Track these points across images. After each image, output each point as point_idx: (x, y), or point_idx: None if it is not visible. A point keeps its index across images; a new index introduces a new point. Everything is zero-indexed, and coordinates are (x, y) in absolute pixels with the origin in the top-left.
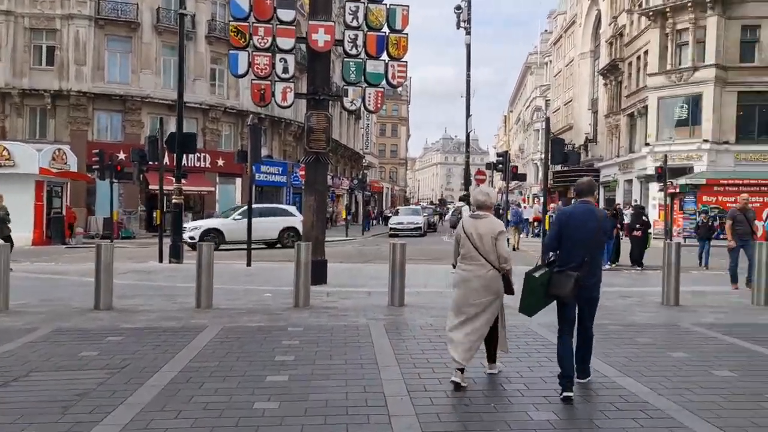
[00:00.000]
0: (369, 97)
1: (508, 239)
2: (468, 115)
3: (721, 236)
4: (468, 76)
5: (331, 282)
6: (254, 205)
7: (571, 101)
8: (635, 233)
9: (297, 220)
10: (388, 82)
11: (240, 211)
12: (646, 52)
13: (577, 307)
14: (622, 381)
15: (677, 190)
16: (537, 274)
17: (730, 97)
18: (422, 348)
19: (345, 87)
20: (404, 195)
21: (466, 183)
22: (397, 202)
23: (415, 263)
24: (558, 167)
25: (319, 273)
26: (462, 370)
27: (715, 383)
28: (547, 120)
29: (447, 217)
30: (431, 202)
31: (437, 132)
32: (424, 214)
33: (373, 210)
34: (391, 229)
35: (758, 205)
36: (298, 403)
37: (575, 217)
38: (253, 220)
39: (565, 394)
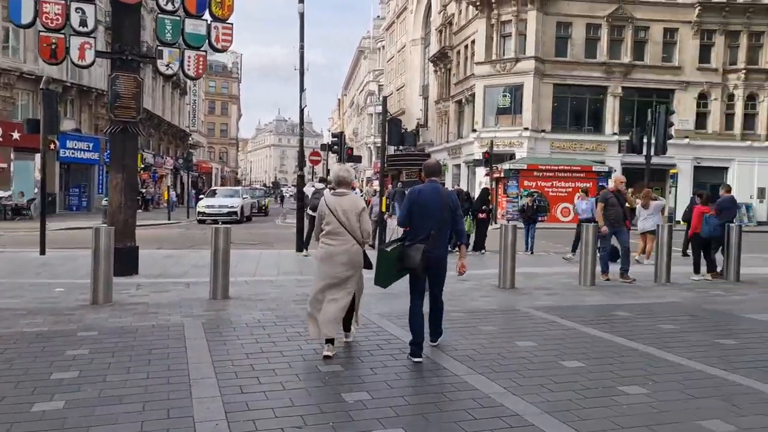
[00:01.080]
0: (188, 61)
1: None
2: (302, 89)
3: (540, 219)
4: (302, 47)
5: (144, 272)
6: None
7: (403, 87)
8: (481, 216)
9: None
10: (211, 46)
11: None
12: (473, 42)
13: (427, 278)
14: (474, 380)
15: (501, 175)
16: (390, 249)
17: (547, 88)
18: (247, 351)
19: (159, 48)
20: (235, 176)
21: (300, 163)
22: (227, 184)
23: (244, 248)
24: (391, 150)
25: (128, 262)
26: (332, 341)
27: (568, 376)
28: (384, 99)
29: (307, 199)
30: (264, 185)
31: (270, 113)
32: (247, 197)
33: (203, 191)
34: (198, 213)
35: (570, 189)
36: None
37: (424, 195)
38: None
39: (415, 359)
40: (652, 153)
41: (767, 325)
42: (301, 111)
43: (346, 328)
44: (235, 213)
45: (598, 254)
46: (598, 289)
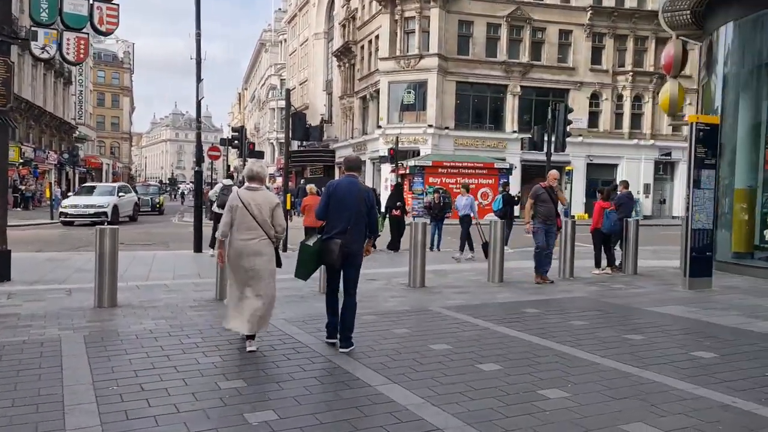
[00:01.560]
0: (68, 44)
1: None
2: (199, 79)
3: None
4: (198, 34)
5: (18, 278)
6: None
7: (306, 81)
8: (395, 213)
9: None
10: (94, 28)
11: None
12: (377, 37)
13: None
14: (390, 391)
15: (407, 171)
16: (311, 242)
17: (450, 85)
18: (136, 368)
19: (34, 29)
20: (129, 173)
21: (198, 159)
22: (120, 180)
23: (136, 249)
24: (295, 146)
25: None
26: (252, 337)
27: (487, 381)
28: (288, 92)
29: (211, 194)
30: (160, 181)
31: (167, 107)
32: (124, 194)
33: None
34: (61, 214)
35: (473, 186)
36: None
37: (341, 189)
38: None
39: (329, 340)
40: (553, 150)
41: (668, 318)
42: (198, 103)
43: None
44: (105, 213)
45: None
46: (506, 286)
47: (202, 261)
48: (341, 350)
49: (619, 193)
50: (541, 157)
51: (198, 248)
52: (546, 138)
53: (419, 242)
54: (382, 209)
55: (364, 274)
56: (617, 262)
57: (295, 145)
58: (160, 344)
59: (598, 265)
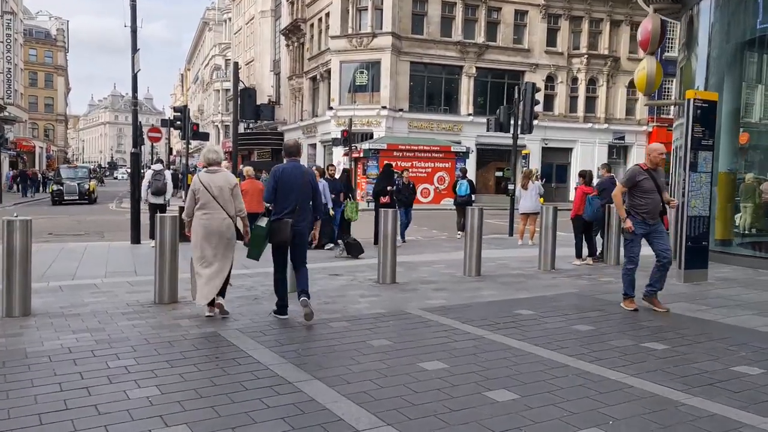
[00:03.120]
0: None
1: None
2: (134, 50)
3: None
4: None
5: None
6: None
7: (252, 61)
8: (384, 200)
9: None
10: None
11: None
12: (328, 14)
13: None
14: None
15: (361, 155)
16: (262, 224)
17: (404, 66)
18: (42, 410)
19: None
20: (65, 156)
21: (135, 139)
22: (55, 164)
23: (65, 241)
24: (241, 128)
25: None
26: (211, 303)
27: (506, 418)
28: (236, 65)
29: (144, 183)
30: (99, 165)
31: (105, 89)
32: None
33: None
34: None
35: (429, 170)
36: None
37: (287, 173)
38: None
39: (281, 317)
40: (519, 132)
41: (678, 320)
42: (135, 77)
43: (221, 294)
44: None
45: (623, 269)
46: (485, 281)
47: (140, 254)
48: (302, 298)
49: (600, 177)
50: (496, 140)
51: (136, 239)
52: (512, 120)
53: (389, 233)
54: (358, 195)
55: (325, 269)
56: (597, 252)
57: (241, 127)
58: (80, 369)
59: (579, 255)
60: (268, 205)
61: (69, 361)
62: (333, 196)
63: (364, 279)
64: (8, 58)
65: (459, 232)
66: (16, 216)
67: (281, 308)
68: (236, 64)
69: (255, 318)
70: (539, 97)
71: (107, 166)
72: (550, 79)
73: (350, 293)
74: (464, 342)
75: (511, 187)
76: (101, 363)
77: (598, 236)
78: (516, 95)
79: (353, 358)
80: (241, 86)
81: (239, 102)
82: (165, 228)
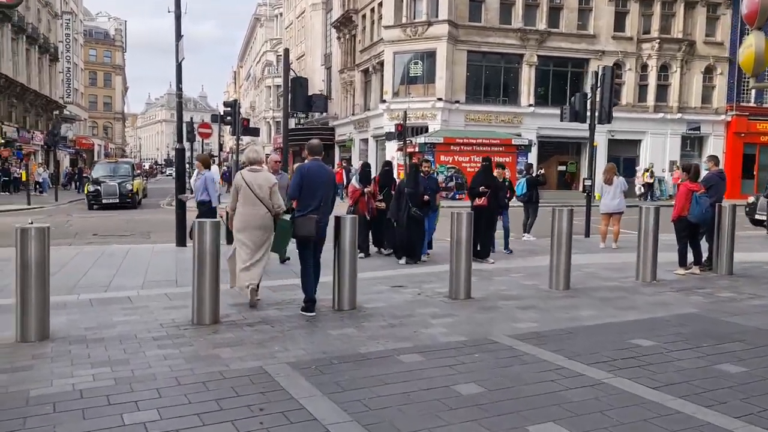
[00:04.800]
0: None
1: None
2: (178, 36)
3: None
4: None
5: None
6: None
7: (303, 56)
8: (479, 202)
9: None
10: None
11: None
12: (380, 4)
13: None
14: None
15: (416, 149)
16: (288, 218)
17: (461, 55)
18: None
19: None
20: (123, 153)
21: (180, 133)
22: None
23: (109, 243)
24: (292, 124)
25: None
26: (256, 289)
27: None
28: (286, 52)
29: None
30: (156, 162)
31: (162, 88)
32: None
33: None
34: None
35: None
36: None
37: (312, 171)
38: None
39: (309, 314)
40: (597, 122)
41: None
42: (179, 65)
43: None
44: None
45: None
46: (578, 296)
47: (184, 258)
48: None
49: (707, 171)
50: (559, 132)
51: (182, 241)
52: (589, 107)
53: (463, 238)
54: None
55: (386, 278)
56: (704, 259)
57: (292, 123)
58: (87, 428)
59: (683, 263)
60: (292, 202)
61: (76, 413)
62: (427, 197)
63: (432, 293)
64: (68, 58)
65: (524, 234)
66: (32, 223)
67: (309, 305)
68: (287, 50)
69: (309, 347)
70: None
71: (164, 162)
72: (617, 67)
73: (419, 311)
74: (580, 391)
75: (588, 182)
76: (115, 417)
77: (703, 240)
78: (593, 81)
79: (438, 415)
80: (292, 75)
81: (290, 93)
82: (204, 234)
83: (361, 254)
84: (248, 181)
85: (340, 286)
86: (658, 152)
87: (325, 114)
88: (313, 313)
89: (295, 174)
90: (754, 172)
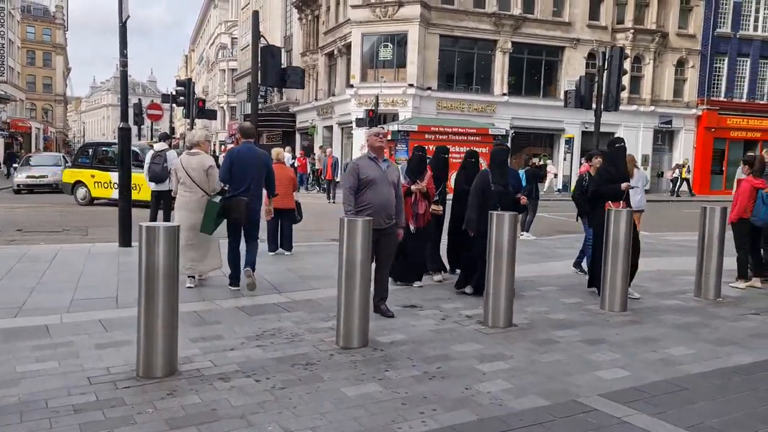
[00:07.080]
0: None
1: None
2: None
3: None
4: None
5: None
6: None
7: (261, 38)
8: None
9: None
10: None
11: None
12: None
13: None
14: None
15: (389, 137)
16: (217, 200)
17: (433, 39)
18: None
19: None
20: (64, 138)
21: (124, 111)
22: (52, 147)
23: (35, 242)
24: (247, 109)
25: None
26: (193, 277)
27: None
28: (255, 14)
29: (144, 167)
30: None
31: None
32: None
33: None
34: None
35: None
36: None
37: (242, 154)
38: None
39: (233, 288)
40: (603, 108)
41: None
42: (123, 26)
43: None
44: None
45: None
46: (642, 321)
47: (129, 263)
48: (246, 268)
49: None
50: (532, 123)
51: (125, 240)
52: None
53: (505, 246)
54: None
55: (402, 299)
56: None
57: (247, 108)
58: None
59: (743, 275)
60: (224, 185)
61: None
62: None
63: (458, 316)
64: (1, 34)
65: (523, 233)
66: None
67: (234, 279)
68: (256, 12)
69: (321, 424)
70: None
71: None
72: (591, 56)
73: (456, 350)
74: None
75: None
76: None
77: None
78: (600, 63)
79: None
80: (263, 43)
81: (260, 65)
82: (155, 243)
83: (438, 276)
84: (184, 164)
85: (347, 316)
86: (631, 145)
87: (285, 99)
88: (238, 288)
89: (225, 157)
90: (723, 168)
